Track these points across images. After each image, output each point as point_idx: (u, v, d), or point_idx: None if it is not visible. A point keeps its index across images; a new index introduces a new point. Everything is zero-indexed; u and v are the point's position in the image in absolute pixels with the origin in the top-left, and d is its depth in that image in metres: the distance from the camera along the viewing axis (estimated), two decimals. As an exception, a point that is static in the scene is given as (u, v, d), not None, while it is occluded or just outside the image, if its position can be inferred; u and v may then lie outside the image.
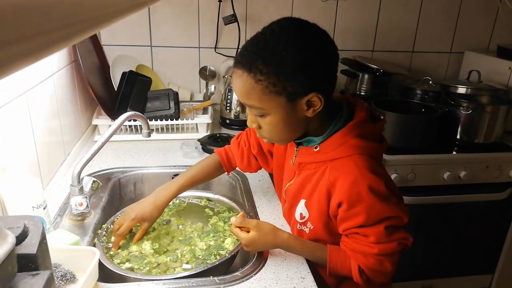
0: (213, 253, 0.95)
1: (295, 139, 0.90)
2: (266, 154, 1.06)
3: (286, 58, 0.74)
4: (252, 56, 0.76)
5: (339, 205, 0.82)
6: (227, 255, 0.92)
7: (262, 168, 1.11)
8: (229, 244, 0.98)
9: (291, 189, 0.94)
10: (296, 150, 0.91)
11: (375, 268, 0.83)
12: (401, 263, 0.89)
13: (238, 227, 0.88)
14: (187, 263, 0.95)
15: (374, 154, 0.84)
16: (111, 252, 0.95)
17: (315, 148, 0.86)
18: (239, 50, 0.81)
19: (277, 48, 0.75)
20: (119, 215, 1.07)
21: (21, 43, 0.21)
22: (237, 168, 1.14)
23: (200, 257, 0.95)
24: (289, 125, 0.82)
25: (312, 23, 0.79)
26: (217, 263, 0.89)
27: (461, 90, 1.73)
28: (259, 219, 1.07)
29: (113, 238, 0.99)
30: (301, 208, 0.91)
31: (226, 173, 1.14)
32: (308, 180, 0.88)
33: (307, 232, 0.91)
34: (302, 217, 0.91)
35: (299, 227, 0.93)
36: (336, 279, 0.96)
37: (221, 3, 1.77)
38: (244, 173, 1.19)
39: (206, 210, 1.15)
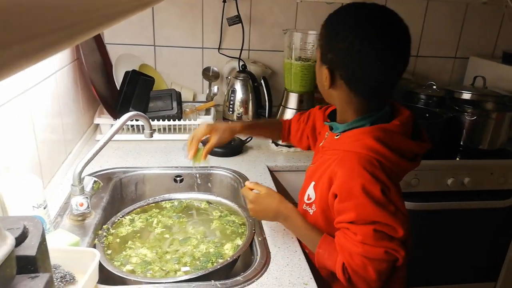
0: (211, 260, 0.93)
1: (328, 119, 1.00)
2: (316, 136, 1.12)
3: (332, 29, 0.86)
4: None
5: (335, 196, 0.84)
6: (228, 258, 0.90)
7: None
8: (228, 250, 0.97)
9: (310, 170, 0.99)
10: (327, 134, 0.97)
11: (358, 270, 0.80)
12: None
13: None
14: (187, 265, 0.94)
15: (388, 164, 0.82)
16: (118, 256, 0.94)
17: (336, 136, 0.91)
18: None
19: (336, 17, 0.87)
20: (120, 216, 1.06)
21: (25, 43, 0.20)
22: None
23: (198, 262, 0.94)
24: (318, 79, 0.92)
25: (393, 17, 0.84)
26: (218, 267, 0.87)
27: (466, 95, 1.71)
28: (261, 223, 1.06)
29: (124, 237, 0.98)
30: (310, 190, 0.94)
31: (280, 140, 1.27)
32: (323, 164, 0.92)
33: (311, 213, 0.94)
34: (308, 198, 0.95)
35: (305, 207, 0.96)
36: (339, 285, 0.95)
37: (225, 3, 1.76)
38: (295, 146, 1.26)
39: (208, 213, 1.14)
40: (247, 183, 1.01)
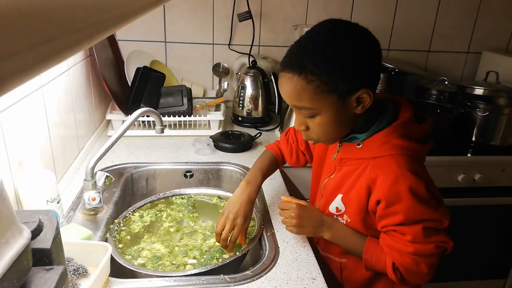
0: (215, 257, 0.94)
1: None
2: (311, 150, 1.08)
3: (337, 57, 0.76)
4: (301, 59, 0.78)
5: (378, 202, 0.83)
6: (238, 253, 0.92)
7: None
8: None
9: (330, 183, 0.95)
10: (339, 146, 0.92)
11: (411, 267, 0.82)
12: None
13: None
14: (195, 258, 0.95)
15: (417, 155, 0.84)
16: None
17: (358, 145, 0.87)
18: (285, 55, 0.82)
19: (327, 49, 0.76)
20: (131, 211, 1.08)
21: (48, 44, 0.21)
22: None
23: (202, 260, 0.95)
24: (338, 123, 0.83)
25: (353, 22, 0.81)
26: (228, 261, 0.89)
27: (478, 91, 1.69)
28: (270, 218, 1.07)
29: (126, 234, 1.00)
30: (337, 203, 0.92)
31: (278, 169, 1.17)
32: (348, 176, 0.89)
33: (344, 223, 0.93)
34: (338, 210, 0.93)
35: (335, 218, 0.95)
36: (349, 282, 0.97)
37: (236, -1, 1.76)
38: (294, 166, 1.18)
39: (217, 207, 1.15)
40: (283, 197, 0.98)
